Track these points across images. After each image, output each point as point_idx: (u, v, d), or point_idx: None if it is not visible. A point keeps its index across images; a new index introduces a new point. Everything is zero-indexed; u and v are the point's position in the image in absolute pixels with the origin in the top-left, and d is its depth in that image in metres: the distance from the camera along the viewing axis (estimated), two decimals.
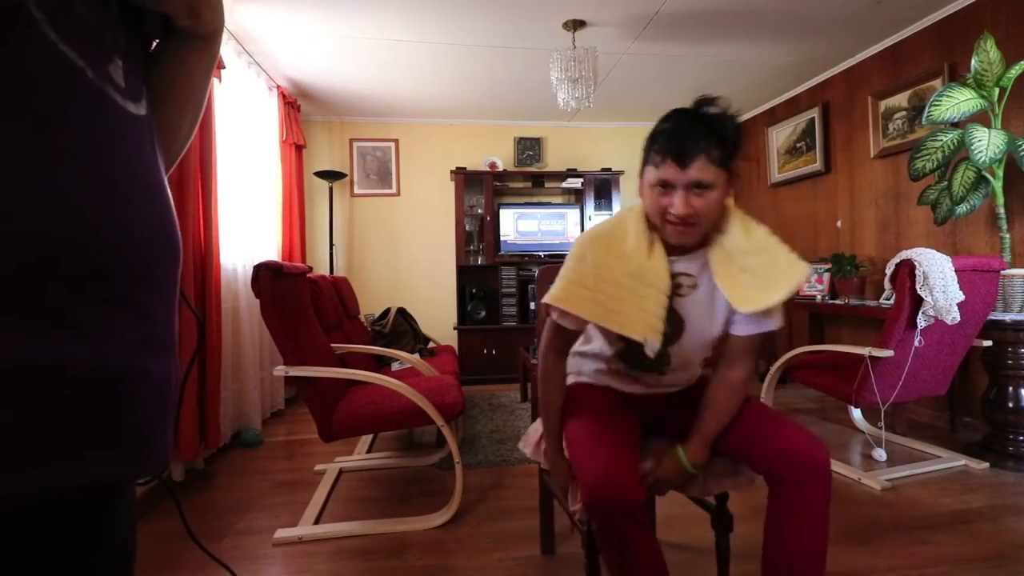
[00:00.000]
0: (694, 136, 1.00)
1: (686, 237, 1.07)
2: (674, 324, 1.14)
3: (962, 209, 2.62)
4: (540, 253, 4.67)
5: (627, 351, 1.20)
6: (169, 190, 0.55)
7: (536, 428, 1.48)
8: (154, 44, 0.60)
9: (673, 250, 1.12)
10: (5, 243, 0.38)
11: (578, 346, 1.36)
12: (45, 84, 0.42)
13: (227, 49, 2.96)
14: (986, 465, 2.38)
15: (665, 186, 1.04)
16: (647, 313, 1.08)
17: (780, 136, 4.48)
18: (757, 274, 1.06)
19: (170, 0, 0.55)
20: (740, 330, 1.14)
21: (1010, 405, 2.38)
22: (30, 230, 0.40)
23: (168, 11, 0.56)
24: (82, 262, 0.43)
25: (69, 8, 0.45)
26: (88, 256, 0.43)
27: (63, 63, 0.43)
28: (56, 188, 0.42)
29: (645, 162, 1.09)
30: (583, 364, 1.38)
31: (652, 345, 1.08)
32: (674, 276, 1.12)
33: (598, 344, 1.31)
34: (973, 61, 2.45)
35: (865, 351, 2.26)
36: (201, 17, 0.58)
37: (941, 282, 2.14)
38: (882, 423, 2.54)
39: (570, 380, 1.38)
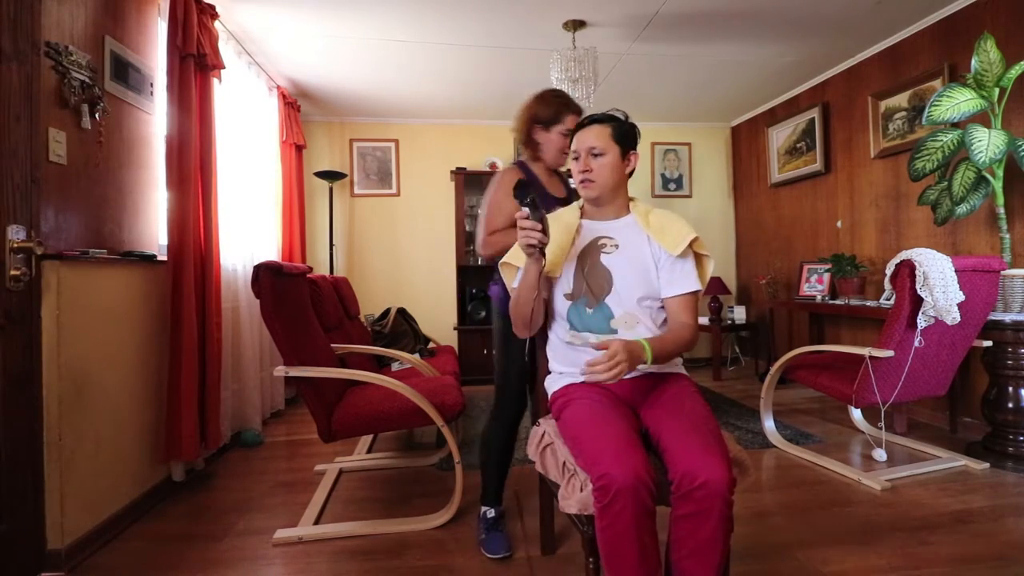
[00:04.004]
0: (589, 118, 1.44)
1: (589, 191, 1.43)
2: (604, 276, 1.40)
3: (962, 209, 2.62)
4: None
5: (571, 311, 1.41)
6: None
7: (536, 431, 1.49)
8: None
9: (597, 217, 1.48)
10: None
11: (555, 330, 1.47)
12: None
13: (227, 49, 2.95)
14: (986, 465, 2.38)
15: (576, 155, 1.43)
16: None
17: (780, 136, 4.48)
18: (668, 228, 1.41)
19: None
20: (667, 292, 1.39)
21: (1010, 405, 2.38)
22: None
23: None
24: None
25: None
26: None
27: None
28: None
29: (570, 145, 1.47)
30: (568, 354, 1.43)
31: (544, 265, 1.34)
32: (599, 239, 1.44)
33: (561, 320, 1.45)
34: (973, 61, 2.45)
35: (865, 351, 2.26)
36: None
37: (941, 282, 2.14)
38: (882, 423, 2.55)
39: (563, 381, 1.44)
